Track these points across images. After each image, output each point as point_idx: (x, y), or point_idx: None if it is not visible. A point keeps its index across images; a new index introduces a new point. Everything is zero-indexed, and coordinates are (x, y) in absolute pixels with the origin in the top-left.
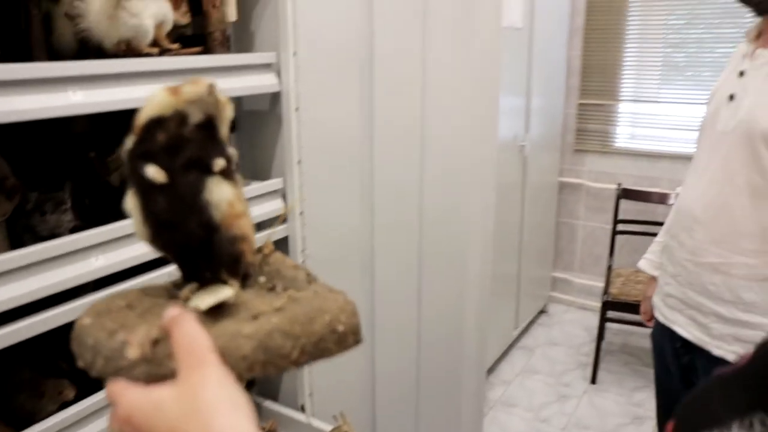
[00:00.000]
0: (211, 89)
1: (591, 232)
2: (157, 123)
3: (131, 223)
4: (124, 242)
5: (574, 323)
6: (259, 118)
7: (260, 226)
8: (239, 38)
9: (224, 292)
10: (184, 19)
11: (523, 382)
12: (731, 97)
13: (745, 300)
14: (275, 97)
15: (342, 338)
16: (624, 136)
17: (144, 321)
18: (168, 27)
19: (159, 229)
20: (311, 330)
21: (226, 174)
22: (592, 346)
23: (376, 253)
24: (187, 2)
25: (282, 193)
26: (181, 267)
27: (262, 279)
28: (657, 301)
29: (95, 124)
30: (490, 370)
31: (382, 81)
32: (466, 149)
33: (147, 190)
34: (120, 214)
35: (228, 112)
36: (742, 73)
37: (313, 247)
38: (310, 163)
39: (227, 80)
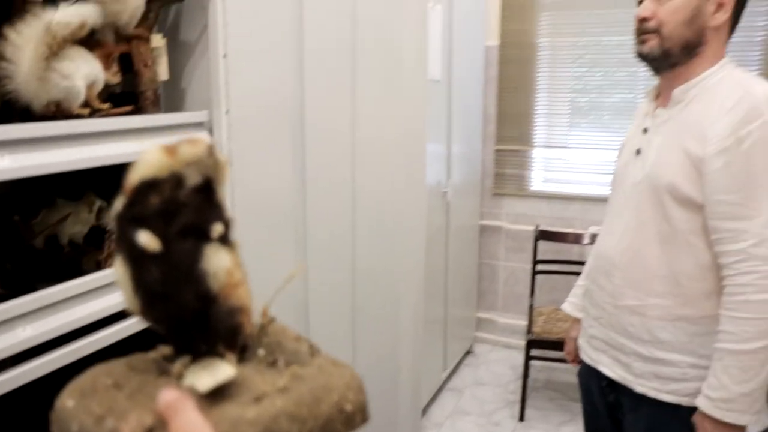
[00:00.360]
0: (211, 150)
1: (512, 273)
2: (150, 185)
3: (60, 290)
4: (53, 309)
5: (500, 362)
6: None
7: None
8: (170, 96)
9: (224, 371)
10: (115, 79)
11: (454, 423)
12: (638, 152)
13: (661, 339)
14: None
15: (350, 418)
16: (539, 179)
17: (135, 404)
18: (99, 87)
19: (151, 301)
20: (318, 412)
21: (224, 240)
22: (519, 384)
23: (310, 305)
24: (118, 61)
25: None
26: (173, 339)
27: (261, 352)
28: (582, 342)
29: (16, 186)
30: (422, 413)
31: (313, 137)
32: (396, 198)
33: (138, 259)
34: (45, 279)
35: (227, 174)
36: (645, 130)
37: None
38: (244, 222)
39: (160, 140)
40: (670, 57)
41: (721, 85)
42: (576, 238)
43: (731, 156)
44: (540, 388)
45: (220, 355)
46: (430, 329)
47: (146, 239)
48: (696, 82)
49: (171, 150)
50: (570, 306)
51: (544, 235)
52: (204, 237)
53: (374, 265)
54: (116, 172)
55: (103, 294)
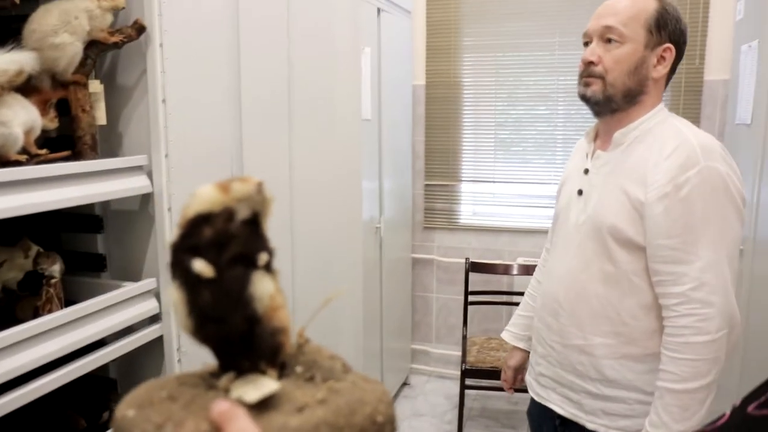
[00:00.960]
0: (260, 188)
1: (444, 304)
2: (205, 218)
3: (30, 326)
4: (12, 350)
5: (436, 392)
6: (129, 217)
7: (131, 330)
8: (108, 140)
9: (268, 385)
10: (53, 124)
11: None
12: (579, 192)
13: (609, 377)
14: (146, 197)
15: (381, 428)
16: (468, 213)
17: (190, 414)
18: (37, 133)
19: (203, 322)
20: (353, 422)
21: (268, 267)
22: (455, 413)
23: None
24: (55, 106)
25: (156, 293)
26: (220, 357)
27: (299, 369)
28: (530, 380)
29: None
30: None
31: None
32: (333, 235)
33: (193, 284)
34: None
35: (271, 208)
36: (586, 171)
37: (187, 344)
38: None
39: (99, 185)
40: (612, 102)
41: (660, 129)
42: (505, 269)
43: (670, 202)
44: (476, 417)
45: (263, 372)
46: (368, 361)
47: (201, 267)
48: (635, 126)
49: (224, 187)
50: (509, 335)
51: (474, 267)
52: (252, 265)
53: (313, 300)
54: (52, 216)
55: (43, 341)
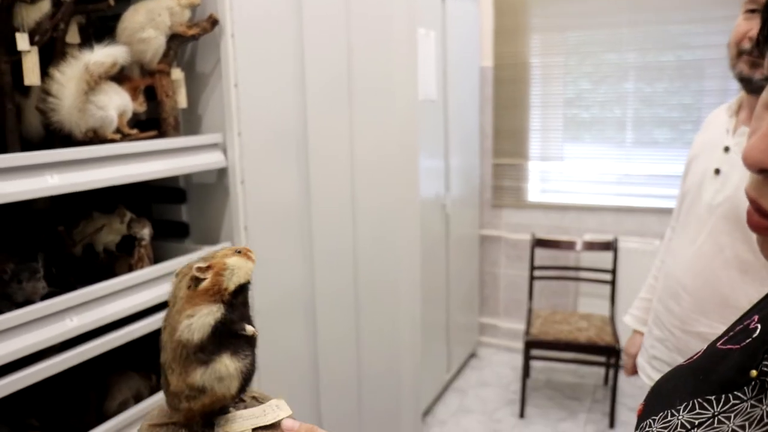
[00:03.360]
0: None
1: (512, 280)
2: (243, 287)
3: (102, 287)
4: (95, 304)
5: (503, 364)
6: (208, 189)
7: None
8: (188, 121)
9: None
10: (142, 108)
11: (458, 421)
12: (717, 172)
13: None
14: (222, 172)
15: None
16: (535, 191)
17: None
18: (128, 116)
19: (247, 381)
20: None
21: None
22: (520, 384)
23: (317, 307)
24: (143, 92)
25: None
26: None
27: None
28: (642, 362)
29: (57, 201)
30: (427, 412)
31: (315, 155)
32: (392, 212)
33: (241, 350)
34: (83, 281)
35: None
36: (727, 149)
37: (260, 304)
38: (256, 229)
39: (181, 159)
40: None
41: None
42: (569, 245)
43: None
44: (540, 388)
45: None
46: (433, 334)
47: (251, 330)
48: None
49: (251, 257)
50: (631, 318)
51: (540, 243)
52: None
53: (375, 273)
54: (144, 189)
55: (135, 292)
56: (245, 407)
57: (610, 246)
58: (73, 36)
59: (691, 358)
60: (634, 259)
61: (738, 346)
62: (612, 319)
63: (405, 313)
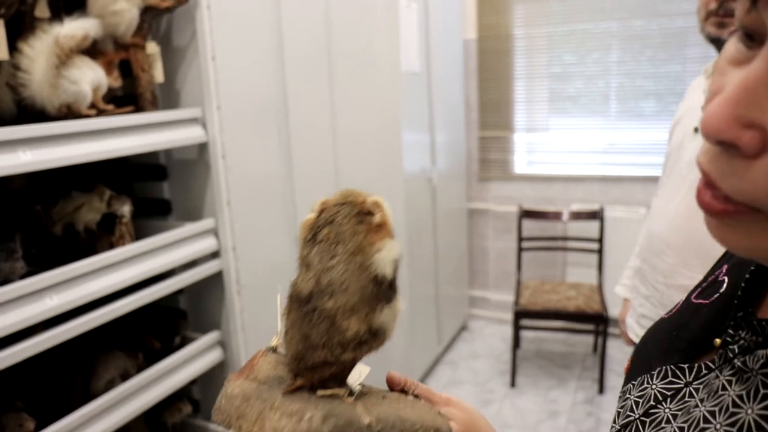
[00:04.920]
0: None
1: (501, 252)
2: None
3: (81, 265)
4: (75, 282)
5: (494, 336)
6: (189, 165)
7: (195, 263)
8: (166, 96)
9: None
10: (117, 83)
11: (450, 392)
12: (696, 130)
13: None
14: (202, 147)
15: None
16: (522, 162)
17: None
18: (103, 91)
19: None
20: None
21: None
22: (510, 355)
23: None
24: (118, 67)
25: (214, 232)
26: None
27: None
28: (631, 322)
29: (35, 179)
30: None
31: (296, 127)
32: (375, 182)
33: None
34: (63, 261)
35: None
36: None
37: (246, 278)
38: (239, 204)
39: (160, 135)
40: None
41: None
42: (556, 216)
43: None
44: (530, 358)
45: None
46: (423, 308)
47: None
48: None
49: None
50: (622, 288)
51: (527, 215)
52: None
53: None
54: (124, 167)
55: (118, 269)
56: None
57: (596, 215)
58: (42, 9)
59: (671, 311)
60: (621, 227)
61: (707, 301)
62: (600, 288)
63: None
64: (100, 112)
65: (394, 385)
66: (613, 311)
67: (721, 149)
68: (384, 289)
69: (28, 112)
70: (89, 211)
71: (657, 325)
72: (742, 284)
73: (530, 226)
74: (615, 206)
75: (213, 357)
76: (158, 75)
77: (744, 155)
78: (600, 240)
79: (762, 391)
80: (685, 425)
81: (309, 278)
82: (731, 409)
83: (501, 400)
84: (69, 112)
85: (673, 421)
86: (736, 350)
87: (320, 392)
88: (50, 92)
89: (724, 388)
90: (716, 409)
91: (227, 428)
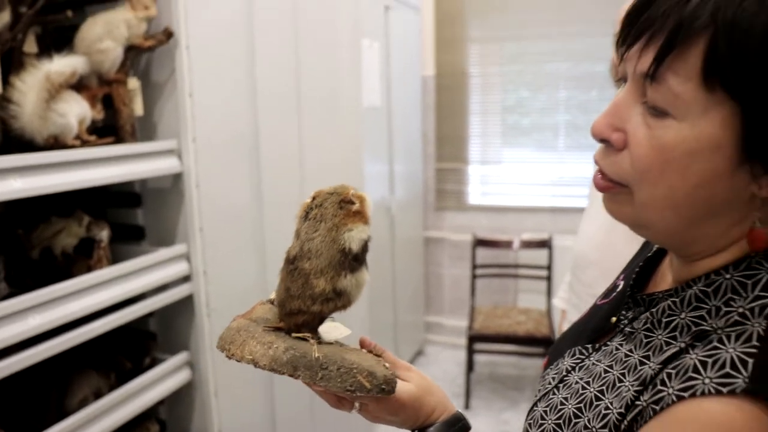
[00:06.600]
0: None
1: (456, 279)
2: None
3: (63, 287)
4: (57, 303)
5: (449, 361)
6: (163, 194)
7: (166, 286)
8: (145, 128)
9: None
10: (100, 116)
11: None
12: None
13: None
14: (177, 177)
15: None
16: (476, 193)
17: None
18: (87, 123)
19: None
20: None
21: None
22: (464, 378)
23: None
24: (101, 101)
25: (186, 257)
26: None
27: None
28: (565, 328)
29: (16, 205)
30: None
31: (267, 159)
32: None
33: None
34: (40, 284)
35: None
36: None
37: (216, 301)
38: (211, 230)
39: (138, 165)
40: None
41: None
42: (508, 244)
43: None
44: (484, 381)
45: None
46: (380, 333)
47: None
48: None
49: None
50: (559, 300)
51: (480, 243)
52: None
53: None
54: (100, 194)
55: (96, 291)
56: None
57: (545, 244)
58: (30, 45)
59: (583, 314)
60: (569, 255)
61: (607, 300)
62: (549, 313)
63: (354, 315)
64: (84, 143)
65: (364, 346)
66: None
67: (604, 146)
68: (349, 261)
69: (13, 142)
70: (68, 236)
71: (571, 328)
72: (633, 276)
73: (483, 254)
74: (563, 235)
75: (182, 377)
76: (138, 108)
77: (615, 149)
78: (549, 267)
79: (644, 341)
80: (590, 379)
81: (296, 245)
82: (624, 360)
83: None
84: (56, 143)
85: (581, 381)
86: (626, 322)
87: (294, 335)
88: (39, 124)
89: (617, 349)
90: (613, 362)
91: (222, 351)
